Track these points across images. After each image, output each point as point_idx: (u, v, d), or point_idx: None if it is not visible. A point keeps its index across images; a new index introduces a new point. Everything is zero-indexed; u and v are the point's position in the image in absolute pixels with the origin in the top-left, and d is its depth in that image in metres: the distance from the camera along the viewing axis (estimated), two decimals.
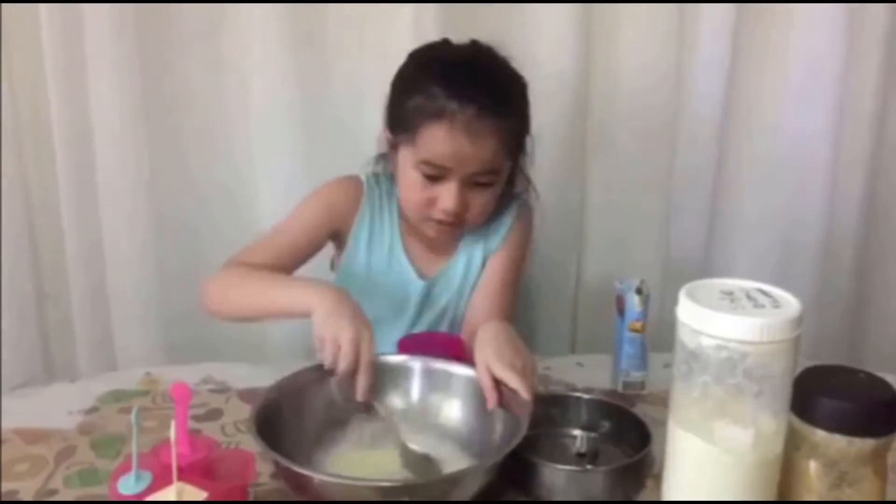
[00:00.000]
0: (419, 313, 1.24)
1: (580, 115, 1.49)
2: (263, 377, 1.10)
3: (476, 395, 0.94)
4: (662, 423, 0.79)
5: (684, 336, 0.72)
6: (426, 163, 1.10)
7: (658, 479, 0.90)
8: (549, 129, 1.44)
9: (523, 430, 0.84)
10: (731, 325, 0.68)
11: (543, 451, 0.91)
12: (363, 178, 1.23)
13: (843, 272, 1.56)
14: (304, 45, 1.40)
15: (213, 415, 1.05)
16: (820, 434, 0.73)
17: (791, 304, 0.71)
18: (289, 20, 1.38)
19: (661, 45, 1.45)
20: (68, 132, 1.38)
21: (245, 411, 1.04)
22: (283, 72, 1.41)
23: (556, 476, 0.87)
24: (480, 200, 1.13)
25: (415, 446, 0.91)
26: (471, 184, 1.11)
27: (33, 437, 0.98)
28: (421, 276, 1.22)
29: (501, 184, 1.17)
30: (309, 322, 0.95)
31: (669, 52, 1.45)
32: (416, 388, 0.98)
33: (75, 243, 1.43)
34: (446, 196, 1.10)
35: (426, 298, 1.23)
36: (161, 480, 0.77)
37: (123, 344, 1.48)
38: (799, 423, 0.74)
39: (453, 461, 0.90)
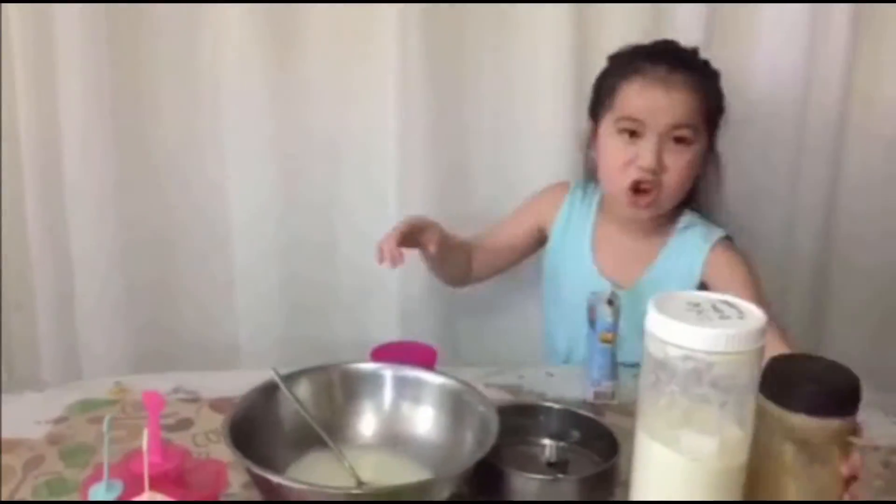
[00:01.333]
0: (613, 322, 1.18)
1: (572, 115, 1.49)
2: (235, 387, 1.09)
3: (447, 404, 0.95)
4: (631, 433, 0.80)
5: (652, 346, 0.74)
6: (624, 118, 1.18)
7: (626, 486, 0.92)
8: (542, 127, 1.47)
9: (493, 439, 0.85)
10: (697, 335, 0.70)
11: (513, 460, 0.91)
12: (572, 182, 1.35)
13: (804, 275, 1.57)
14: (280, 46, 1.39)
15: (184, 424, 1.05)
16: (796, 417, 0.76)
17: (755, 315, 0.73)
18: (265, 20, 1.37)
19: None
20: (35, 136, 1.35)
21: (216, 421, 1.05)
22: (257, 74, 1.39)
23: (527, 485, 0.88)
24: (678, 160, 1.19)
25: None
26: (668, 140, 1.18)
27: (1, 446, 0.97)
28: (616, 285, 1.25)
29: (699, 152, 1.21)
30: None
31: None
32: (387, 396, 0.98)
33: (41, 250, 1.41)
34: (644, 151, 1.17)
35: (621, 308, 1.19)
36: (132, 490, 0.77)
37: (90, 352, 1.45)
38: (776, 409, 0.76)
39: (423, 469, 0.91)
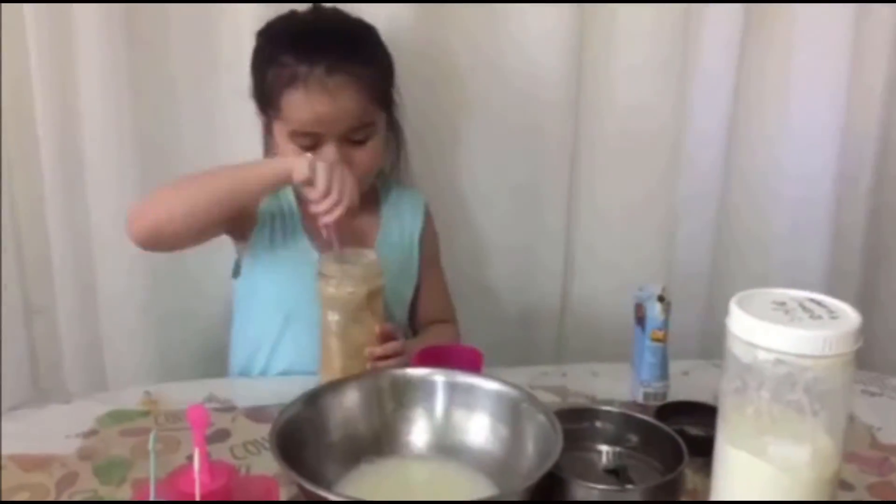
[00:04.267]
0: None
1: (571, 122, 1.45)
2: (269, 394, 1.07)
3: (504, 412, 0.90)
4: None
5: (737, 349, 0.69)
6: (296, 133, 1.11)
7: (693, 495, 0.88)
8: (538, 135, 1.44)
9: (558, 452, 0.80)
10: (790, 338, 0.65)
11: (569, 467, 0.87)
12: None
13: (851, 281, 1.54)
14: None
15: (220, 435, 1.00)
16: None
17: (849, 314, 0.69)
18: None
19: (664, 52, 1.43)
20: (54, 135, 1.30)
21: (253, 431, 1.01)
22: None
23: (589, 495, 0.83)
24: (362, 156, 1.14)
25: None
26: (348, 142, 1.12)
27: (31, 463, 0.92)
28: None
29: (382, 135, 1.18)
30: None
31: (672, 61, 1.43)
32: (440, 403, 0.93)
33: (63, 253, 1.36)
34: (326, 159, 1.09)
35: None
36: None
37: (114, 357, 1.41)
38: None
39: (481, 481, 0.86)
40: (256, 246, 1.20)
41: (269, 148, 1.23)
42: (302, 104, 1.09)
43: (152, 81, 1.34)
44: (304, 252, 1.19)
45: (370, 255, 1.07)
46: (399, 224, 1.28)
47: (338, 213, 1.03)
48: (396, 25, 1.29)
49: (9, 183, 1.31)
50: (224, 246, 1.27)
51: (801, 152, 1.48)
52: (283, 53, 1.10)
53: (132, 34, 1.31)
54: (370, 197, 1.26)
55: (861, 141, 1.48)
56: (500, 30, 1.39)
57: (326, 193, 1.02)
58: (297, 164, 1.04)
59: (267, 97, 1.14)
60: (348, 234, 1.19)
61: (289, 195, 1.22)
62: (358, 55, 1.12)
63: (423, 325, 1.31)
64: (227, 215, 1.11)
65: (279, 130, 1.14)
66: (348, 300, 1.02)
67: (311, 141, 1.11)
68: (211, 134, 1.39)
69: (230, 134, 1.39)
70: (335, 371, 1.04)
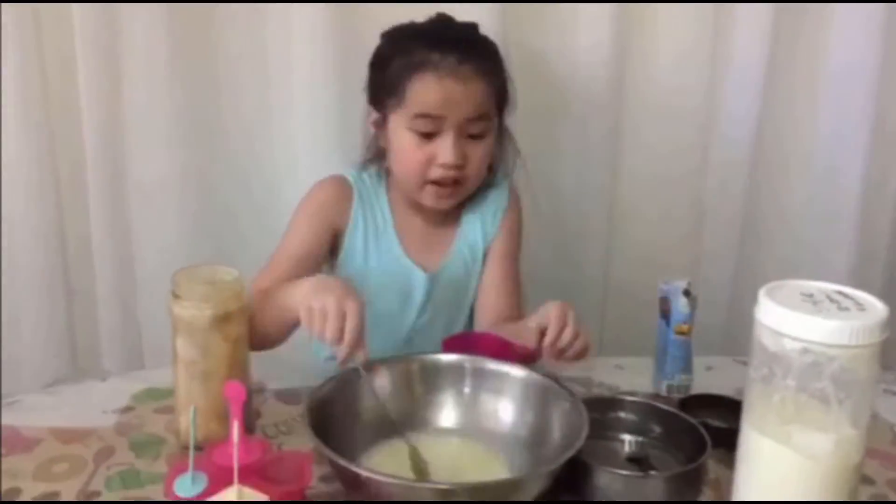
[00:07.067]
0: (424, 306, 1.22)
1: (613, 111, 1.47)
2: (297, 377, 1.10)
3: (531, 398, 0.92)
4: None
5: (765, 338, 0.70)
6: (420, 116, 1.10)
7: (715, 485, 0.89)
8: (581, 125, 1.45)
9: (584, 434, 0.82)
10: (817, 327, 0.67)
11: (592, 455, 0.88)
12: (349, 176, 1.21)
13: (876, 277, 1.54)
14: (349, 39, 1.35)
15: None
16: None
17: (876, 306, 0.70)
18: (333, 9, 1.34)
19: (696, 42, 1.45)
20: (98, 123, 1.33)
21: (284, 413, 1.03)
22: (326, 63, 1.36)
23: (614, 481, 0.85)
24: (477, 152, 1.14)
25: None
26: (465, 135, 1.12)
27: (70, 436, 0.95)
28: (423, 269, 1.21)
29: (494, 138, 1.18)
30: None
31: (704, 49, 1.45)
32: (468, 388, 0.95)
33: (103, 238, 1.38)
34: (444, 149, 1.11)
35: (431, 291, 1.22)
36: (216, 482, 0.75)
37: (150, 338, 1.44)
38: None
39: (508, 465, 0.88)
40: (347, 256, 1.20)
41: (381, 143, 1.19)
42: (432, 85, 1.09)
43: (197, 73, 1.36)
44: (395, 259, 1.20)
45: (230, 273, 0.94)
46: (481, 226, 1.24)
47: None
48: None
49: (53, 167, 1.34)
50: (264, 236, 1.30)
51: (831, 144, 1.48)
52: (413, 45, 1.11)
53: (177, 23, 1.32)
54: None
55: (891, 133, 1.47)
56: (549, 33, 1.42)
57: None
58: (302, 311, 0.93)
59: (390, 84, 1.12)
60: (423, 244, 1.21)
61: (383, 204, 1.21)
62: (486, 54, 1.14)
63: (489, 321, 1.21)
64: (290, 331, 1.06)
65: (398, 120, 1.13)
66: (192, 322, 0.89)
67: (431, 126, 1.10)
68: (256, 126, 1.41)
69: (277, 126, 1.41)
70: (181, 406, 0.93)
